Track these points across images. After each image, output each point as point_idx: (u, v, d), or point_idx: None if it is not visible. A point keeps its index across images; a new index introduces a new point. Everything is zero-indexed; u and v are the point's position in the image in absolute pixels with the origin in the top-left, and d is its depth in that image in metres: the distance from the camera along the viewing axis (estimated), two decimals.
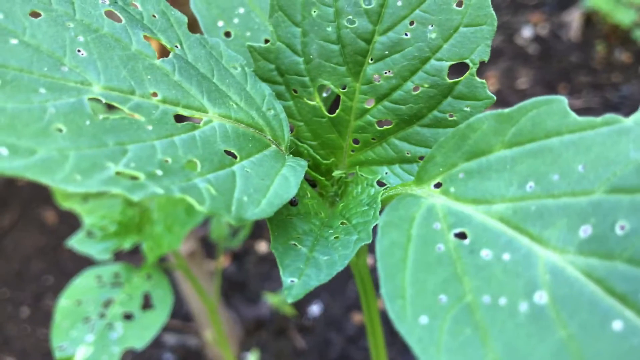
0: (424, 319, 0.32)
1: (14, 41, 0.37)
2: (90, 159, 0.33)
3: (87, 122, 0.35)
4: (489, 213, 0.36)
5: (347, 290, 1.62)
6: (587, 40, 2.15)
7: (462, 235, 0.36)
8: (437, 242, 0.35)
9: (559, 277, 0.32)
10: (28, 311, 1.69)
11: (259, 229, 1.77)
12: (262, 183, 0.40)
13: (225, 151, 0.40)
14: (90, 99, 0.37)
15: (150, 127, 0.38)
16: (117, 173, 0.33)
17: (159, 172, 0.34)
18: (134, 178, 0.33)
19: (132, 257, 1.65)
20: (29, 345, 1.61)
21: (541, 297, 0.32)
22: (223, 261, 1.71)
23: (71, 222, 1.87)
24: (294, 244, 0.41)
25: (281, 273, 0.39)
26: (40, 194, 1.94)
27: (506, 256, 0.34)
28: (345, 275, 1.63)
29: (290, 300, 0.37)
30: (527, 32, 2.22)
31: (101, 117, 0.36)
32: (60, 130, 0.34)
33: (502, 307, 0.32)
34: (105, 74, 0.39)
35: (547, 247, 0.33)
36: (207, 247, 1.67)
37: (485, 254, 0.34)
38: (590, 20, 2.20)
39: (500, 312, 0.32)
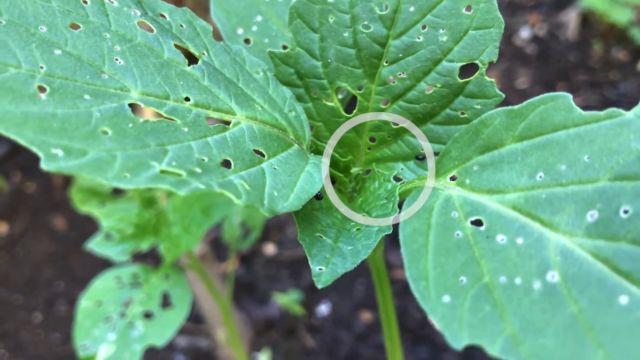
0: (446, 298, 0.35)
1: (58, 52, 0.40)
2: (136, 159, 0.36)
3: (130, 125, 0.38)
4: (502, 202, 0.39)
5: (354, 289, 1.64)
6: (585, 40, 2.19)
7: (478, 223, 0.39)
8: (455, 229, 0.38)
9: (568, 258, 0.35)
10: (40, 317, 1.71)
11: (265, 231, 1.80)
12: (289, 179, 0.43)
13: (254, 150, 0.43)
14: (130, 104, 0.40)
15: (186, 129, 0.41)
16: (162, 171, 0.36)
17: (198, 170, 0.37)
18: (177, 175, 0.36)
19: (144, 260, 1.67)
20: (42, 350, 1.64)
21: (553, 276, 0.35)
22: (233, 262, 1.74)
23: (81, 229, 1.89)
24: (319, 236, 0.44)
25: (310, 262, 0.41)
26: (49, 201, 1.97)
27: (520, 240, 0.37)
28: (353, 275, 1.65)
29: (320, 286, 0.40)
30: (525, 33, 2.25)
31: (141, 120, 0.39)
32: (106, 133, 0.37)
33: (518, 286, 0.35)
34: (141, 80, 0.42)
35: (557, 231, 0.36)
36: (216, 250, 1.70)
37: (501, 238, 0.37)
38: (587, 20, 2.23)
39: (516, 290, 0.34)
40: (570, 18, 2.23)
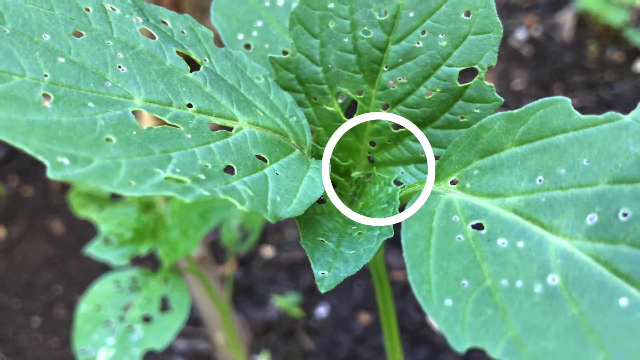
0: (448, 302, 0.35)
1: (62, 60, 0.40)
2: (141, 166, 0.36)
3: (134, 132, 0.39)
4: (503, 205, 0.40)
5: (352, 291, 1.65)
6: (580, 41, 2.20)
7: (479, 226, 0.39)
8: (456, 233, 0.39)
9: (569, 260, 0.36)
10: (39, 321, 1.71)
11: (263, 234, 1.81)
12: (291, 184, 0.43)
13: (256, 156, 0.44)
14: (134, 111, 0.41)
15: (189, 136, 0.41)
16: (166, 178, 0.36)
17: (202, 176, 0.38)
18: (181, 182, 0.36)
19: (143, 264, 1.67)
20: (41, 355, 1.63)
21: (554, 279, 0.35)
22: (232, 265, 1.74)
23: (78, 233, 1.89)
24: (322, 240, 0.45)
25: (312, 266, 0.42)
26: (47, 205, 1.97)
27: (520, 243, 0.37)
28: (351, 277, 1.65)
29: (323, 291, 0.40)
30: (520, 34, 2.26)
31: (145, 127, 0.40)
32: (111, 140, 0.37)
33: (519, 289, 0.35)
34: (144, 87, 0.42)
35: (557, 235, 0.37)
36: (215, 253, 1.70)
37: (501, 242, 0.38)
38: (583, 20, 2.25)
39: (517, 293, 0.35)
40: (566, 19, 2.24)
